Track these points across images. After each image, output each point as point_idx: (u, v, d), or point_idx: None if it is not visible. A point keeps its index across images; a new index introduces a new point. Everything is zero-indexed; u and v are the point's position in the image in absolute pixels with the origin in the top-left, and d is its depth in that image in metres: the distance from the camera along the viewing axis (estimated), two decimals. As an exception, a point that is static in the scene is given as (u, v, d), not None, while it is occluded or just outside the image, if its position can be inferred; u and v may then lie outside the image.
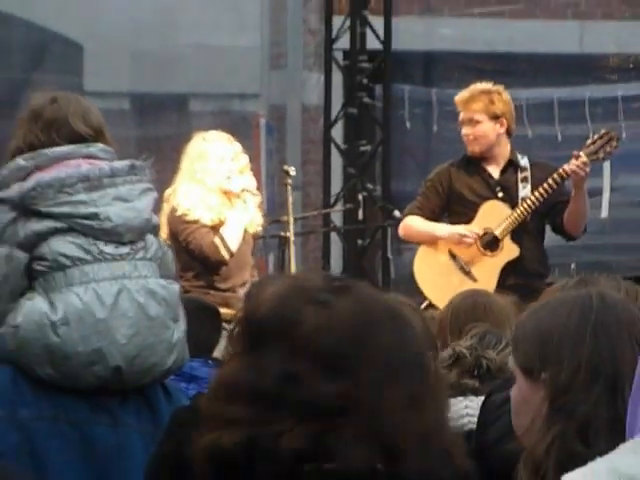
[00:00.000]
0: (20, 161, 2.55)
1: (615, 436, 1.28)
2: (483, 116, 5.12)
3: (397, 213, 6.42)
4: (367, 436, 0.88)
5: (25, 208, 2.50)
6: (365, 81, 7.06)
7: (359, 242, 7.00)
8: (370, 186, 6.86)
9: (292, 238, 5.78)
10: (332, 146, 7.07)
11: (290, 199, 5.67)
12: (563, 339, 1.50)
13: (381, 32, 7.00)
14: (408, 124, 7.92)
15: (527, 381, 1.47)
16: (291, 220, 5.71)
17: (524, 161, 5.23)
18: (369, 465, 0.89)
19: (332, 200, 7.02)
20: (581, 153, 5.02)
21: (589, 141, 5.27)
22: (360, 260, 7.10)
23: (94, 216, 2.49)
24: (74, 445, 2.48)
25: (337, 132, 7.09)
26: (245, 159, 4.98)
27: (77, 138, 2.61)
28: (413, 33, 7.66)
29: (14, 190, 2.51)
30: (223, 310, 4.09)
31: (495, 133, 5.08)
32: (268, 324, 1.01)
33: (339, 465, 0.89)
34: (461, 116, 5.22)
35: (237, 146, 5.01)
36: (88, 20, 8.36)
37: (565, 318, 1.54)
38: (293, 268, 5.66)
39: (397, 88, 7.50)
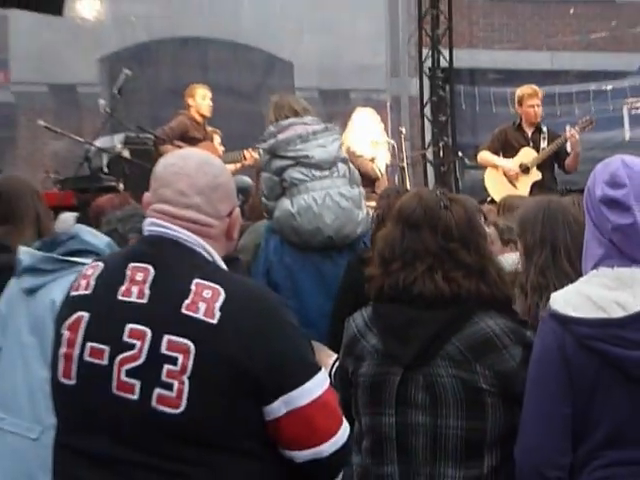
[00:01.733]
0: (270, 128, 3.55)
1: (559, 274, 2.15)
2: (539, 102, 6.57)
3: (460, 154, 9.32)
4: (477, 277, 1.70)
5: (273, 153, 3.47)
6: (440, 83, 9.83)
7: (442, 169, 9.48)
8: (445, 139, 9.50)
9: (406, 168, 7.11)
10: (425, 118, 9.88)
11: (403, 145, 7.06)
12: (529, 222, 2.34)
13: (447, 56, 9.68)
14: (463, 106, 11.27)
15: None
16: (404, 156, 7.04)
17: (544, 128, 6.66)
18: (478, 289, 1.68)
19: (426, 146, 9.80)
20: (575, 127, 6.53)
21: (580, 121, 6.83)
22: (443, 179, 9.32)
23: (307, 157, 3.41)
24: (313, 275, 3.48)
25: (427, 111, 9.81)
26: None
27: (296, 114, 3.57)
28: (464, 57, 10.86)
29: (268, 144, 3.53)
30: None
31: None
32: (417, 216, 1.74)
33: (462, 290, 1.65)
34: (528, 101, 6.49)
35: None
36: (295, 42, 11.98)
37: (532, 212, 2.39)
38: (408, 186, 6.60)
39: (457, 87, 10.57)
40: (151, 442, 1.42)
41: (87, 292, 1.51)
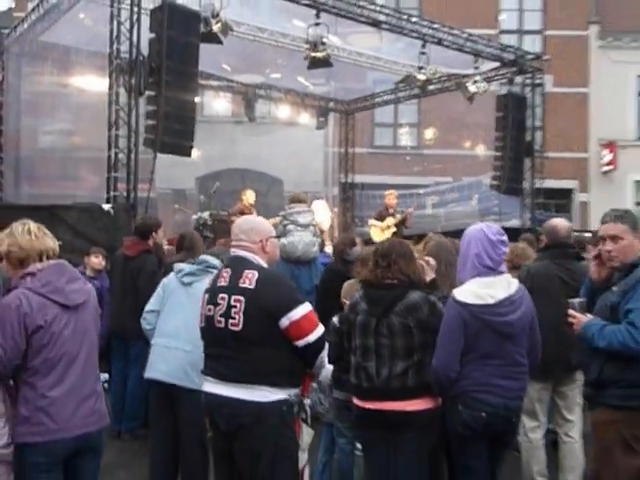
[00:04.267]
0: (286, 207, 7.00)
1: (452, 279, 3.64)
2: None
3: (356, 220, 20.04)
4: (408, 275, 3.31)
5: (284, 217, 6.73)
6: (348, 189, 19.51)
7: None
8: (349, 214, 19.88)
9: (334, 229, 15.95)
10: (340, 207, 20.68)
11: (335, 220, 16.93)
12: (442, 250, 4.02)
13: (351, 177, 19.68)
14: (358, 198, 19.03)
15: None
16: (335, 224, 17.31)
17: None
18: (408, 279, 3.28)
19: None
20: (410, 209, 10.40)
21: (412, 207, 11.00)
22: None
23: (297, 221, 6.70)
24: (290, 275, 5.88)
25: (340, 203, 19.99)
26: None
27: (299, 201, 6.97)
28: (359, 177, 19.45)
29: (284, 213, 6.87)
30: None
31: None
32: (385, 250, 3.42)
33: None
34: (389, 199, 10.63)
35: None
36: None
37: (440, 246, 4.08)
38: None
39: (358, 192, 17.43)
40: (231, 344, 3.04)
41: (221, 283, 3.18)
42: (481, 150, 16.99)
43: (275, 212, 7.14)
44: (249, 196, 10.34)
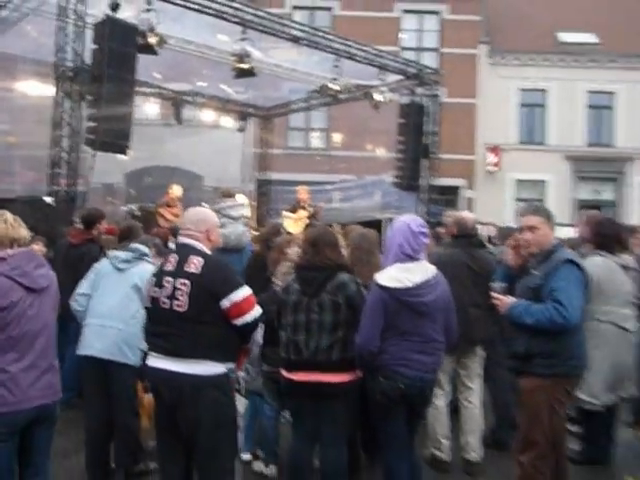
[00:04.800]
0: (218, 200, 7.43)
1: (374, 264, 3.92)
2: None
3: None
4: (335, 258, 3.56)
5: (217, 211, 5.11)
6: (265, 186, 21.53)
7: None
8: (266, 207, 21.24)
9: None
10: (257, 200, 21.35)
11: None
12: (364, 240, 4.19)
13: (267, 176, 21.71)
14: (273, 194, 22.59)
15: None
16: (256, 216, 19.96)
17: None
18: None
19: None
20: (321, 203, 11.42)
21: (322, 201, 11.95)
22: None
23: (230, 215, 7.25)
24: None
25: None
26: None
27: (229, 196, 7.60)
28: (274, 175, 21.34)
29: (217, 207, 7.07)
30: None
31: None
32: (313, 237, 3.68)
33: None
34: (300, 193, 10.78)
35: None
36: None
37: (363, 236, 4.28)
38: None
39: (274, 188, 21.70)
40: (175, 323, 3.06)
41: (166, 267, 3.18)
42: (382, 152, 17.88)
43: (196, 204, 7.53)
44: (175, 190, 10.55)
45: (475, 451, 4.69)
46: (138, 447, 4.25)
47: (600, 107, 21.14)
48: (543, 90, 20.81)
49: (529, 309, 3.38)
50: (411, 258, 3.42)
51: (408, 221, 3.50)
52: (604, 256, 4.57)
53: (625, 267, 4.76)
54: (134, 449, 4.21)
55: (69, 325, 5.18)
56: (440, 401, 4.55)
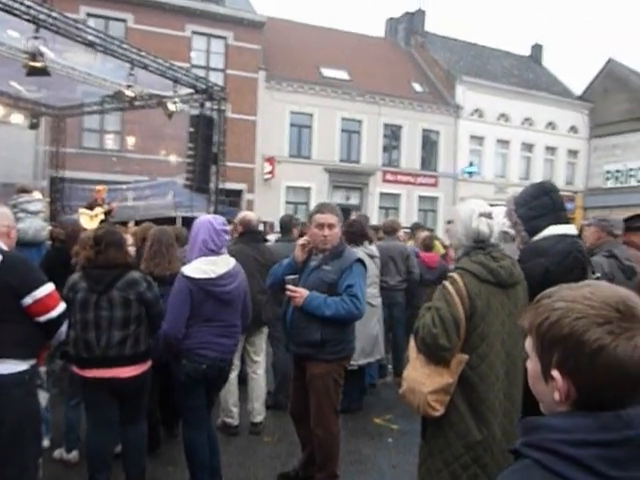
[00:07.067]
0: (18, 194, 6.54)
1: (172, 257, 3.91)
2: None
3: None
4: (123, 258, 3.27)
5: (13, 206, 5.54)
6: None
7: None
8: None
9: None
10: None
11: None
12: (154, 235, 3.91)
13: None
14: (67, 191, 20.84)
15: None
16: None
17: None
18: None
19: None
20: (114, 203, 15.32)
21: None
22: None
23: (28, 209, 6.44)
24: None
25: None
26: None
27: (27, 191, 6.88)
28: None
29: (15, 202, 6.05)
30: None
31: None
32: (100, 237, 3.25)
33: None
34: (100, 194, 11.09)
35: None
36: None
37: (154, 231, 3.99)
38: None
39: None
40: None
41: None
42: (174, 157, 17.39)
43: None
44: None
45: (260, 414, 4.85)
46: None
47: (350, 131, 22.72)
48: (310, 114, 21.92)
49: (327, 302, 3.30)
50: (214, 252, 3.32)
51: (211, 219, 3.38)
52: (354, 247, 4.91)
53: (371, 256, 5.31)
54: None
55: None
56: (231, 375, 4.44)
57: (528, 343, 1.00)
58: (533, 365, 1.00)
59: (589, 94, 28.16)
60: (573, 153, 27.73)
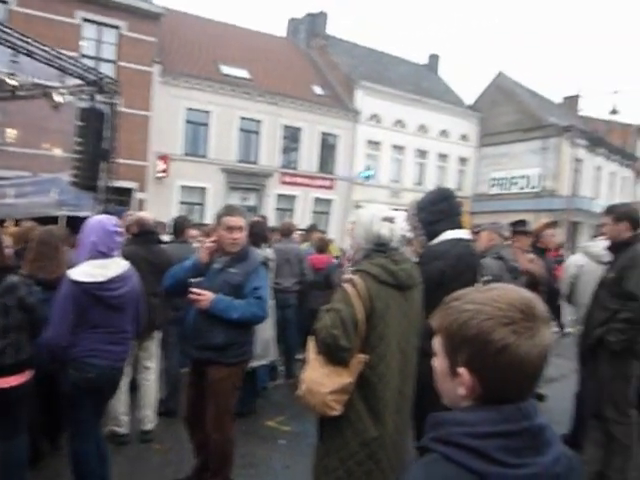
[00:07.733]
0: None
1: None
2: None
3: None
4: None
5: None
6: None
7: None
8: None
9: None
10: None
11: None
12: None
13: None
14: None
15: None
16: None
17: None
18: None
19: None
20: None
21: None
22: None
23: None
24: None
25: None
26: None
27: None
28: None
29: None
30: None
31: None
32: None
33: None
34: None
35: None
36: None
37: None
38: None
39: None
40: None
41: None
42: (59, 152, 16.38)
43: None
44: None
45: (152, 422, 4.80)
46: None
47: (249, 131, 22.54)
48: (207, 111, 21.62)
49: (233, 304, 3.29)
50: (105, 255, 3.18)
51: (103, 220, 3.24)
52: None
53: (266, 258, 5.33)
54: None
55: None
56: (122, 382, 4.34)
57: (436, 342, 1.07)
58: (440, 363, 1.06)
59: (479, 104, 30.31)
60: (463, 160, 29.65)
